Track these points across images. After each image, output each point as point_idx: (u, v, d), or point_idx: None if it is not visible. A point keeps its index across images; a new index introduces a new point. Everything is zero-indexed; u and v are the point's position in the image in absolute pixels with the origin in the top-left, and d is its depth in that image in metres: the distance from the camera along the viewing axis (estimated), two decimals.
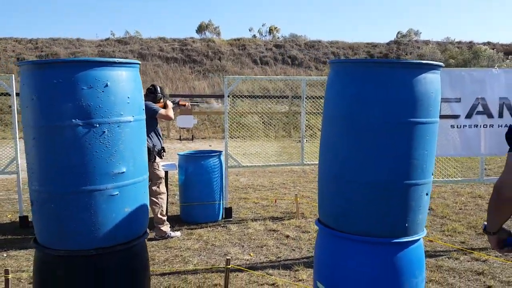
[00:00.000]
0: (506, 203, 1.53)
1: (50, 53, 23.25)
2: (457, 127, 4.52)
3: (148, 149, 4.13)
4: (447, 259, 3.99)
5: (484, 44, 24.15)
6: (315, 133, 8.75)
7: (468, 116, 4.50)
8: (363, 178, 1.94)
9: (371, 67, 2.01)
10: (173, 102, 4.93)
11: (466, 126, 4.51)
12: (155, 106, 4.47)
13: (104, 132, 1.87)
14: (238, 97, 10.97)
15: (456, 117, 4.50)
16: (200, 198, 5.07)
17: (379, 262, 2.01)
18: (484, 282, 3.52)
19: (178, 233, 4.64)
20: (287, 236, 4.65)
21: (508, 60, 21.55)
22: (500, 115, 4.50)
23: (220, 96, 18.31)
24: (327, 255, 2.13)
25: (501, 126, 4.49)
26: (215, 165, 5.20)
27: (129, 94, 1.98)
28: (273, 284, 3.48)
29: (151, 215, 4.03)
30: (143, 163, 2.11)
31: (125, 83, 1.96)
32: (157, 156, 4.46)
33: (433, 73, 2.00)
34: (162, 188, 4.58)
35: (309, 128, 8.22)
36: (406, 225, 2.02)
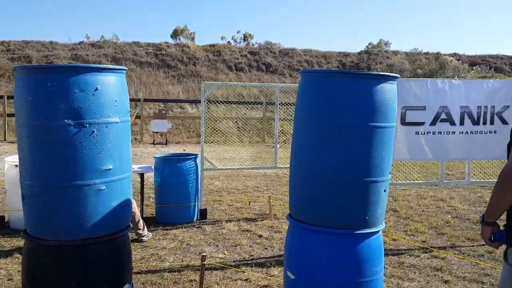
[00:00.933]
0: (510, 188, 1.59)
1: (22, 55, 22.79)
2: (422, 134, 4.83)
3: None
4: (408, 256, 4.29)
5: (450, 55, 25.17)
6: (288, 138, 8.99)
7: (433, 123, 4.81)
8: (328, 176, 2.17)
9: (337, 77, 2.27)
10: None
11: (430, 132, 4.82)
12: None
13: (94, 131, 2.04)
14: (213, 103, 11.14)
15: (421, 124, 4.81)
16: (176, 199, 5.21)
17: (343, 251, 2.25)
18: (441, 277, 3.81)
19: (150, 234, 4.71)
20: (260, 236, 4.86)
21: (472, 71, 22.53)
22: (461, 123, 4.84)
23: (195, 101, 18.44)
24: (296, 246, 2.36)
25: (462, 133, 4.83)
26: (191, 168, 5.36)
27: (117, 97, 2.15)
28: (246, 280, 3.67)
29: None
30: (128, 161, 2.28)
31: (113, 87, 2.13)
32: None
33: (390, 83, 2.26)
34: None
35: (282, 133, 8.49)
36: (367, 218, 2.26)
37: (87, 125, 2.02)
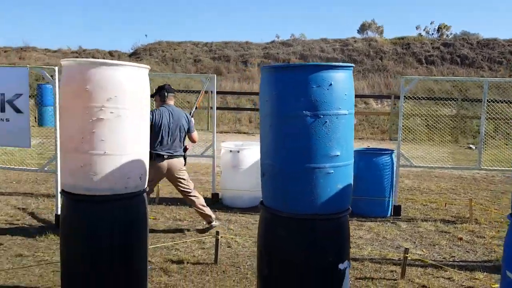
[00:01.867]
0: None
1: (222, 55, 25.83)
2: None
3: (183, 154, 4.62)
4: None
5: None
6: (487, 140, 8.16)
7: None
8: None
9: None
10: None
11: None
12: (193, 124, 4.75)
13: (326, 122, 2.32)
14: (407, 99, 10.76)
15: None
16: (370, 193, 5.32)
17: None
18: None
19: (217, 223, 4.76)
20: (460, 239, 4.62)
21: None
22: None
23: (381, 97, 18.09)
24: None
25: None
26: (387, 163, 5.40)
27: (346, 92, 2.40)
28: (448, 279, 3.58)
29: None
30: (351, 149, 2.53)
31: (343, 83, 2.39)
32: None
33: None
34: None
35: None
36: None
37: (321, 116, 2.32)
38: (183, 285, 3.35)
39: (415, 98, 10.89)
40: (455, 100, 15.32)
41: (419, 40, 23.03)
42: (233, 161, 5.54)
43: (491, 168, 5.80)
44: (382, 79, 20.19)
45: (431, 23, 31.19)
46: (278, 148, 2.44)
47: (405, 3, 59.55)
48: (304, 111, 2.33)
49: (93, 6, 60.82)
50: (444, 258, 4.07)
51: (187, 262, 3.76)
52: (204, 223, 4.70)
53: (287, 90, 2.38)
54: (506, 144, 10.50)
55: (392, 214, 5.43)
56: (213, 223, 4.63)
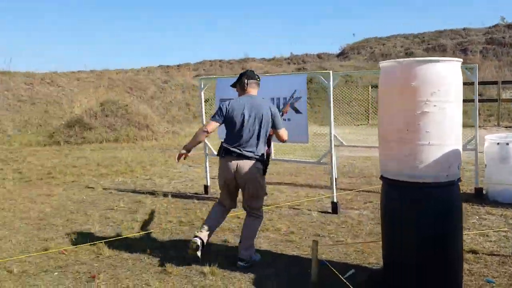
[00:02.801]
0: None
1: (436, 45, 24.18)
2: None
3: (265, 160, 3.69)
4: None
5: None
6: None
7: None
8: None
9: None
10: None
11: None
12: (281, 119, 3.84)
13: None
14: None
15: None
16: None
17: None
18: None
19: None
20: None
21: None
22: None
23: None
24: None
25: None
26: None
27: None
28: None
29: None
30: None
31: None
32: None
33: None
34: None
35: None
36: None
37: None
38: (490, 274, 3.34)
39: None
40: None
41: None
42: (501, 153, 5.20)
43: None
44: None
45: None
46: None
47: None
48: None
49: (298, 15, 65.23)
50: None
51: (482, 253, 3.73)
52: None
53: None
54: None
55: None
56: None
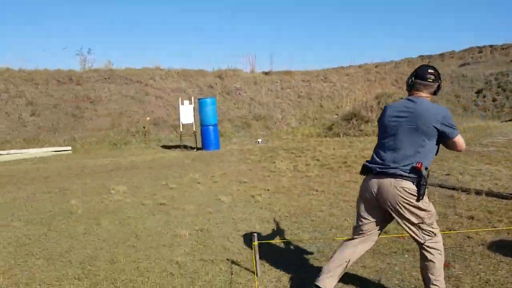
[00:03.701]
0: None
1: None
2: None
3: (422, 175, 2.70)
4: None
5: None
6: None
7: None
8: None
9: None
10: None
11: None
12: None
13: None
14: None
15: None
16: None
17: None
18: None
19: None
20: None
21: None
22: None
23: None
24: None
25: None
26: None
27: None
28: None
29: None
30: None
31: None
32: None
33: None
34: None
35: None
36: None
37: None
38: None
39: None
40: None
41: None
42: None
43: None
44: None
45: None
46: None
47: None
48: None
49: None
50: None
51: None
52: None
53: None
54: None
55: None
56: None
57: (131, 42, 60.49)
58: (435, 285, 2.82)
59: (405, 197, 2.72)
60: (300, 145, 13.46)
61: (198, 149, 13.72)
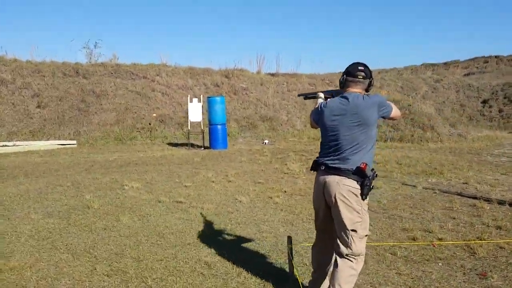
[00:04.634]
0: None
1: None
2: None
3: (366, 176, 2.72)
4: None
5: None
6: None
7: None
8: None
9: None
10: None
11: None
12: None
13: None
14: None
15: None
16: None
17: None
18: None
19: None
20: None
21: None
22: None
23: None
24: None
25: None
26: None
27: None
28: None
29: None
30: None
31: None
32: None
33: None
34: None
35: None
36: None
37: None
38: None
39: None
40: None
41: None
42: None
43: None
44: None
45: None
46: None
47: None
48: None
49: None
50: None
51: None
52: None
53: None
54: None
55: None
56: None
57: (137, 37, 60.36)
58: None
59: (345, 193, 2.72)
60: (308, 147, 13.40)
61: (205, 147, 13.62)
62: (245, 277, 3.54)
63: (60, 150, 13.21)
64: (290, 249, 3.48)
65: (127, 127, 16.08)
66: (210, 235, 4.65)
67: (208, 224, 5.07)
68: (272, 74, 22.93)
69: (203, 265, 3.81)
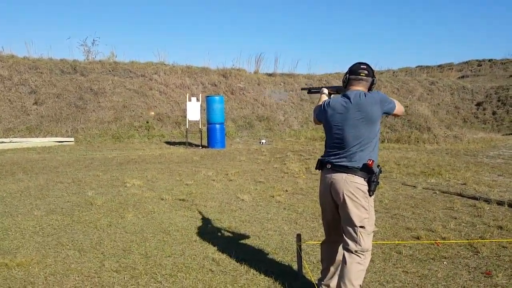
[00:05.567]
0: None
1: None
2: None
3: (373, 172, 2.75)
4: None
5: None
6: None
7: None
8: None
9: None
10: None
11: None
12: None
13: None
14: None
15: None
16: None
17: None
18: None
19: None
20: None
21: None
22: None
23: None
24: None
25: None
26: None
27: None
28: None
29: None
30: None
31: None
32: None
33: None
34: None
35: None
36: None
37: None
38: None
39: None
40: None
41: None
42: None
43: None
44: None
45: None
46: None
47: None
48: None
49: None
50: None
51: None
52: None
53: None
54: None
55: None
56: None
57: (135, 35, 60.12)
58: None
59: (353, 190, 2.74)
60: (306, 147, 13.46)
61: (203, 146, 13.63)
62: (253, 274, 3.57)
63: (58, 147, 13.15)
64: (299, 247, 3.51)
65: (125, 125, 16.04)
66: (215, 233, 4.68)
67: (212, 222, 5.09)
68: (270, 74, 22.97)
69: (211, 261, 3.84)
